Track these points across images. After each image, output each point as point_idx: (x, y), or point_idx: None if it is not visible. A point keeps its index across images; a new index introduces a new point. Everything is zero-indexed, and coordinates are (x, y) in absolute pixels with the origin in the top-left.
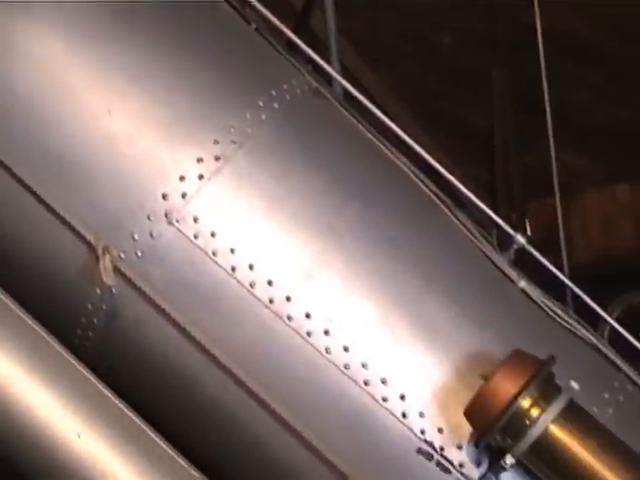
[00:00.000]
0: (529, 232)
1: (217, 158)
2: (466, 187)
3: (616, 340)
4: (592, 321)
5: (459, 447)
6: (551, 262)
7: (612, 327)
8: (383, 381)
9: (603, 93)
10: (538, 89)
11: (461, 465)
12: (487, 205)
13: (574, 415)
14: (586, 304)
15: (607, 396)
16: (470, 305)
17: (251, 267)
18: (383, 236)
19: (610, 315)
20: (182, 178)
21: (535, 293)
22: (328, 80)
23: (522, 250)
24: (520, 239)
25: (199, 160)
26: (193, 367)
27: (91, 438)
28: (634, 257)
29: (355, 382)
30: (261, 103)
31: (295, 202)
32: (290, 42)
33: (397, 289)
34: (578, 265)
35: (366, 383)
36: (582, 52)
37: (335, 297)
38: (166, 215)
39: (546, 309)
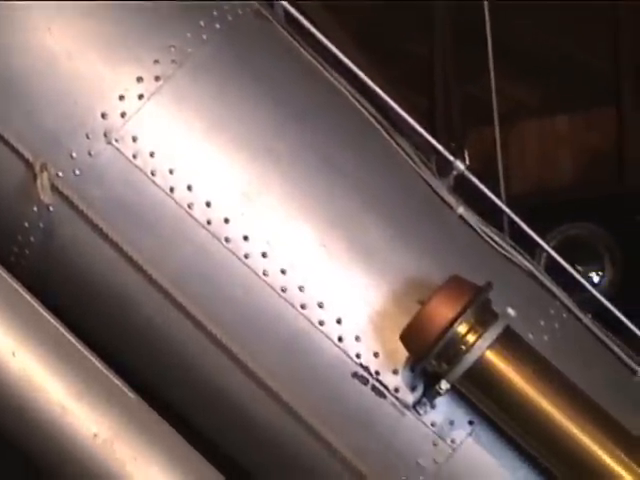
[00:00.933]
0: (467, 161)
1: (157, 78)
2: (406, 113)
3: (552, 269)
4: (529, 249)
5: (395, 372)
6: (489, 190)
7: (548, 255)
8: (320, 305)
9: (546, 24)
10: (480, 19)
11: (396, 390)
12: (427, 132)
13: (510, 341)
14: (523, 232)
15: (543, 323)
16: (408, 229)
17: (189, 188)
18: (321, 158)
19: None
20: (122, 97)
21: (473, 219)
22: (269, 2)
23: (461, 177)
24: (459, 165)
25: (139, 79)
26: (130, 287)
27: (26, 357)
28: (571, 189)
29: (292, 305)
30: (202, 23)
31: (234, 124)
32: None
33: (335, 212)
34: (515, 195)
35: (303, 306)
36: None
37: (273, 220)
38: (105, 134)
39: (484, 235)
